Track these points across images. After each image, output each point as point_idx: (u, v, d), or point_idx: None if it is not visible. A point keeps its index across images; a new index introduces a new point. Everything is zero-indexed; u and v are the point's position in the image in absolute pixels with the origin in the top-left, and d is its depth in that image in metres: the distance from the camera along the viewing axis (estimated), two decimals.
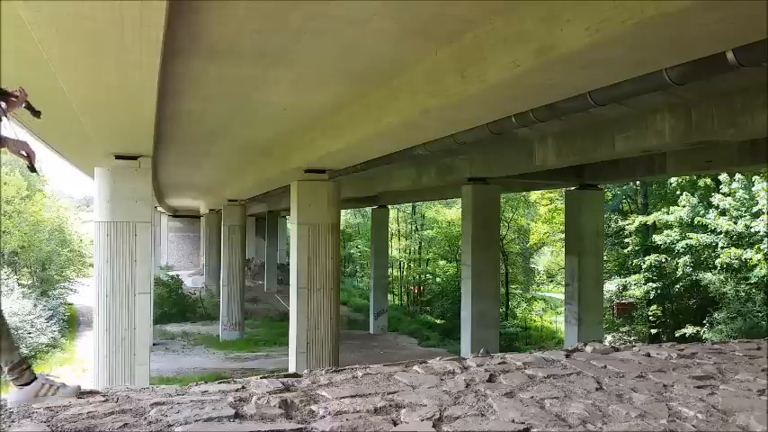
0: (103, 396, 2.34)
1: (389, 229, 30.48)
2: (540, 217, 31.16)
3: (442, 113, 5.68)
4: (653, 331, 21.53)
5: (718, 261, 17.92)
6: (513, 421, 2.16)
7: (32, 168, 2.48)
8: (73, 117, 7.08)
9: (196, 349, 20.53)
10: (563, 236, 17.84)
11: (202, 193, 24.89)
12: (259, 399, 2.32)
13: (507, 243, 31.52)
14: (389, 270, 30.42)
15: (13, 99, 2.45)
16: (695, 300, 20.66)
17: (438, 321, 29.46)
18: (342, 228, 28.24)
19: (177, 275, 30.91)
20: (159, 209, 34.45)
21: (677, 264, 19.80)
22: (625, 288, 22.57)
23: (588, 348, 3.54)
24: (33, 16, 3.66)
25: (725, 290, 18.24)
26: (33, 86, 6.69)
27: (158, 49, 4.19)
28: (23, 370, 2.26)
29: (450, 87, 5.03)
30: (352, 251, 41.04)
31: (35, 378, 2.27)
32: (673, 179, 19.67)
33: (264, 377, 2.74)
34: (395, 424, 2.12)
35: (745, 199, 17.28)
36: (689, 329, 18.86)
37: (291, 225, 12.72)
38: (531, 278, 37.57)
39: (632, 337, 22.12)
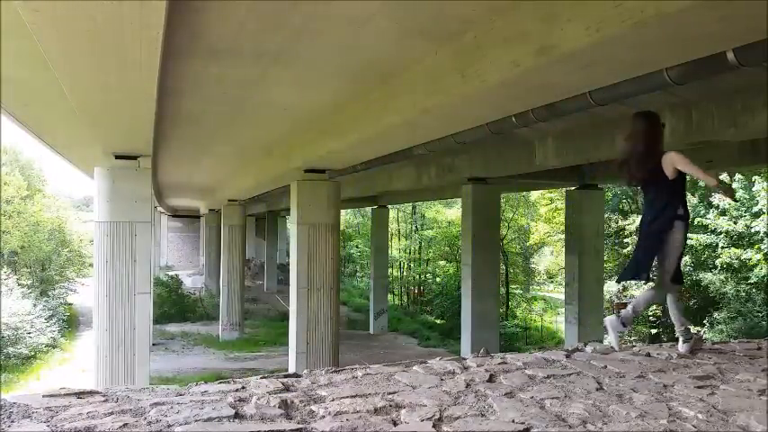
0: (103, 396, 2.34)
1: (389, 229, 30.45)
2: (540, 217, 31.13)
3: (442, 113, 5.67)
4: (653, 331, 21.51)
5: (718, 261, 17.91)
6: (513, 421, 2.16)
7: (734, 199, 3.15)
8: (73, 117, 7.08)
9: (196, 349, 20.52)
10: (563, 236, 17.82)
11: (202, 193, 24.88)
12: (259, 399, 2.32)
13: (507, 243, 31.49)
14: (389, 270, 30.39)
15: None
16: (695, 300, 20.65)
17: (438, 321, 29.42)
18: (342, 228, 28.21)
19: (177, 275, 30.88)
20: (159, 209, 34.42)
21: None
22: (625, 288, 22.55)
23: (588, 348, 3.55)
24: (33, 16, 3.65)
25: (725, 290, 18.22)
26: (33, 86, 6.72)
27: (158, 49, 4.18)
28: (688, 331, 3.71)
29: (450, 87, 5.02)
30: (352, 251, 41.01)
31: (692, 336, 3.69)
32: None
33: (264, 377, 2.75)
34: (395, 424, 2.12)
35: (745, 199, 17.27)
36: None
37: (291, 225, 12.70)
38: (531, 278, 37.53)
39: (632, 337, 22.10)
